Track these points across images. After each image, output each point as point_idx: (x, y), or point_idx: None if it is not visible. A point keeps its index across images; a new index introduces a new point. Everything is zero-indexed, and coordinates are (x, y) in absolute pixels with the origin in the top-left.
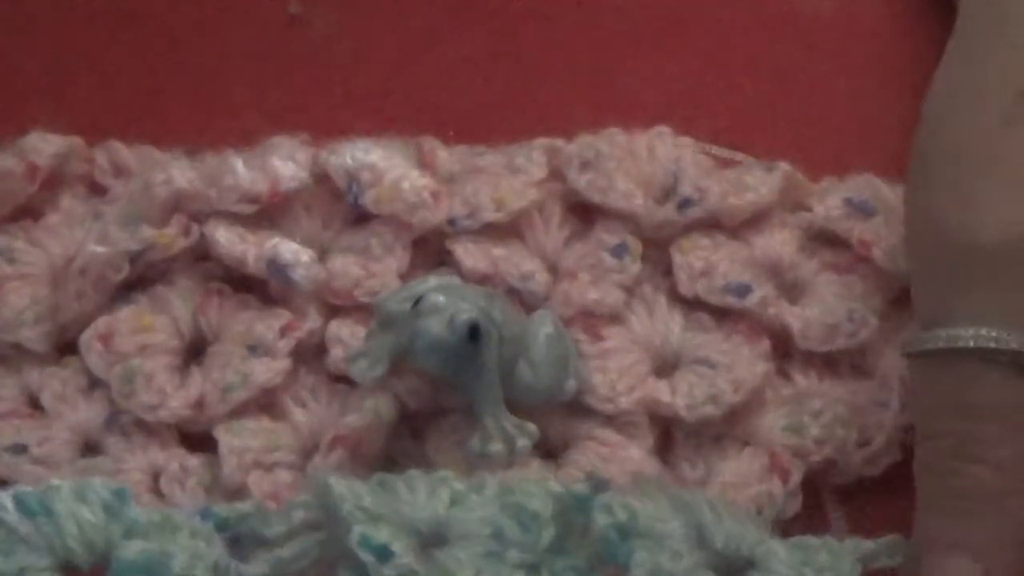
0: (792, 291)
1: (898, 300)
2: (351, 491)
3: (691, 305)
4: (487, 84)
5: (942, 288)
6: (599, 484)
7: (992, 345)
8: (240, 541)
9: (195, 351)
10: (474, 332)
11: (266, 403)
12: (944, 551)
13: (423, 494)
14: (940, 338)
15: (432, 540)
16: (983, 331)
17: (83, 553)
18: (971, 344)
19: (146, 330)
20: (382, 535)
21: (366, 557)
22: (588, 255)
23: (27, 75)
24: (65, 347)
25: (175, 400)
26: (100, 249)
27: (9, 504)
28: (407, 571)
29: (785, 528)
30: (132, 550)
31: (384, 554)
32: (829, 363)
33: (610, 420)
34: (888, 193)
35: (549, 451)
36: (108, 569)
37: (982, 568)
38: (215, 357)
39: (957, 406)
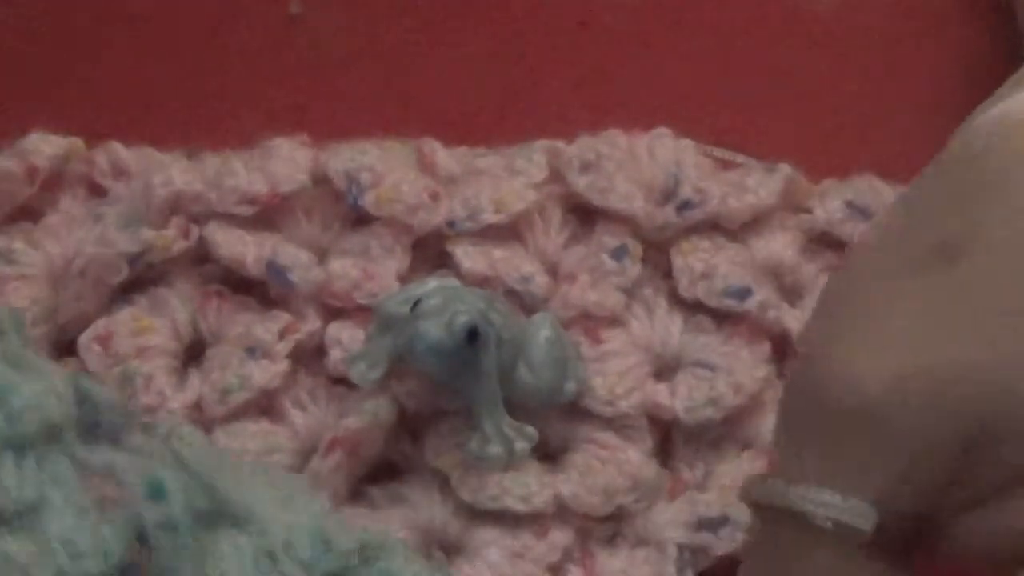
0: (793, 294)
1: None
2: (177, 434)
3: (691, 308)
4: (487, 85)
5: (795, 440)
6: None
7: (841, 519)
8: (93, 428)
9: (194, 353)
10: (473, 335)
11: (265, 405)
12: None
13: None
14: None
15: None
16: (832, 498)
17: None
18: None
19: (145, 332)
20: (171, 479)
21: (143, 489)
22: (588, 257)
23: (27, 75)
24: (64, 349)
25: (174, 402)
26: (99, 251)
27: None
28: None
29: None
30: None
31: (159, 492)
32: None
33: (609, 423)
34: (890, 195)
35: (548, 454)
36: None
37: None
38: (214, 359)
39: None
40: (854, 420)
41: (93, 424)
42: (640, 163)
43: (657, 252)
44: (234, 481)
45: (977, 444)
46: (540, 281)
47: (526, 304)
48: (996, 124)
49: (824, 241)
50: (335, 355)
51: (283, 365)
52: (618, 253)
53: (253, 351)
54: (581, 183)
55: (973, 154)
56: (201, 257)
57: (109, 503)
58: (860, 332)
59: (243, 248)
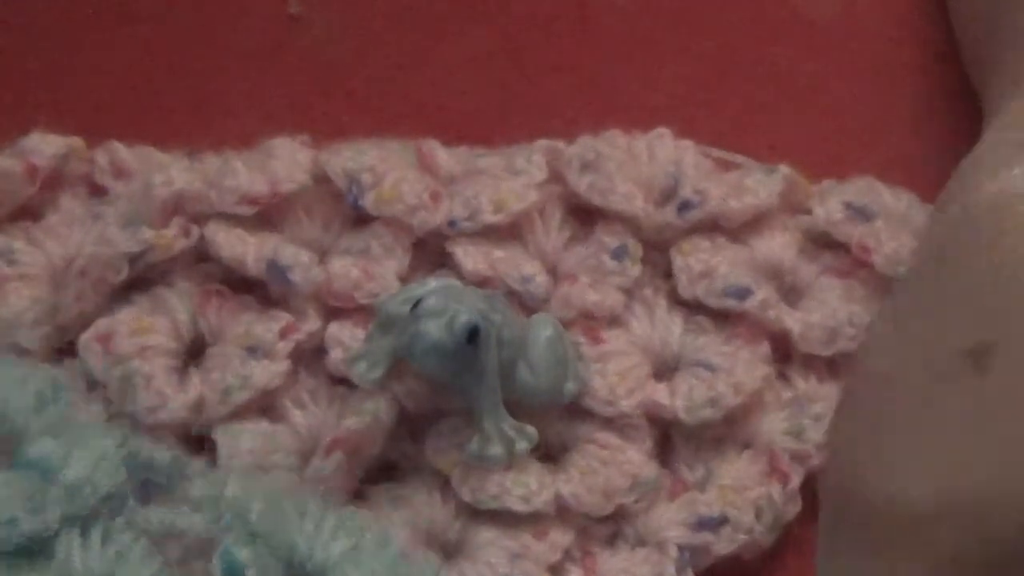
0: (792, 294)
1: None
2: (242, 498)
3: (691, 308)
4: (487, 85)
5: (854, 556)
6: None
7: None
8: (145, 486)
9: (194, 353)
10: (473, 335)
11: (265, 405)
12: None
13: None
14: None
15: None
16: None
17: None
18: None
19: (145, 332)
20: (246, 555)
21: (219, 569)
22: (588, 257)
23: (27, 75)
24: (64, 349)
25: (174, 402)
26: (100, 250)
27: None
28: None
29: (784, 531)
30: (37, 448)
31: (235, 571)
32: (829, 366)
33: (609, 423)
34: (888, 197)
35: (548, 454)
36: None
37: None
38: (214, 359)
39: None
40: (892, 531)
41: (144, 483)
42: (640, 163)
43: (657, 252)
44: (303, 536)
45: (1006, 564)
46: (540, 281)
47: (526, 304)
48: (998, 207)
49: (824, 242)
50: (335, 355)
51: (284, 365)
52: (618, 253)
53: (254, 351)
54: (581, 183)
55: (982, 244)
56: (201, 257)
57: (172, 565)
58: (899, 446)
59: (243, 248)
